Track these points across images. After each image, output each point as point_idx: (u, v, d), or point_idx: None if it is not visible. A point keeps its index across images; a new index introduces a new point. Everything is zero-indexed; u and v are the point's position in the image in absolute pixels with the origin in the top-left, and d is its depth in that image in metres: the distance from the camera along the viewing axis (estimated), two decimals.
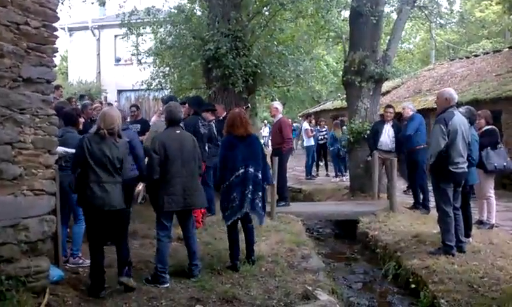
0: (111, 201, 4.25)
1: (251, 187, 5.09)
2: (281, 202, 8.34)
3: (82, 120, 5.72)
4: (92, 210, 4.29)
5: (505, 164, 6.62)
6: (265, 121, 27.74)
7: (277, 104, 9.19)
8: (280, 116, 8.94)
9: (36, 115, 3.90)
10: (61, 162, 4.67)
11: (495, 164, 6.49)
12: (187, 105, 7.44)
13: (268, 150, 11.41)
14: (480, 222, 6.85)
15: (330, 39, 14.40)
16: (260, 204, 5.25)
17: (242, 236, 5.32)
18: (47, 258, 4.06)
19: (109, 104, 10.25)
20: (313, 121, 15.84)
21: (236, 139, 5.15)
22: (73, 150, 4.78)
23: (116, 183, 4.32)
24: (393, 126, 8.71)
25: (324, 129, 14.58)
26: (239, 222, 5.25)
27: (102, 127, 4.26)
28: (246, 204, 5.07)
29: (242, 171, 5.07)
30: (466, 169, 5.50)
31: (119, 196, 4.33)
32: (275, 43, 11.01)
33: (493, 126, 6.85)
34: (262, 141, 25.35)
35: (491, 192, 6.80)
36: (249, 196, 5.08)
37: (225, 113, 8.77)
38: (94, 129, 4.40)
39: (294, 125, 22.86)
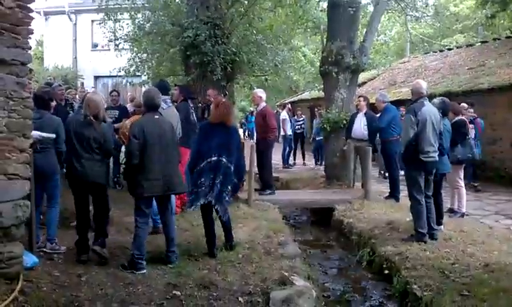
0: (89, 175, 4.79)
1: (221, 177, 5.01)
2: (266, 190, 8.37)
3: (53, 103, 5.64)
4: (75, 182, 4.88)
5: (469, 155, 6.82)
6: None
7: (260, 92, 8.65)
8: (264, 104, 8.44)
9: (10, 98, 3.80)
10: (36, 146, 4.58)
11: (458, 156, 6.70)
12: (178, 89, 7.46)
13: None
14: (452, 211, 7.05)
15: (308, 30, 14.42)
16: (227, 198, 5.15)
17: (218, 222, 5.32)
18: (20, 243, 3.99)
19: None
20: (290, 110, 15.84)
21: (216, 127, 5.11)
22: (48, 134, 4.72)
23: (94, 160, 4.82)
24: (365, 114, 8.75)
25: (302, 119, 14.66)
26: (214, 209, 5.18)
27: (88, 114, 4.74)
28: (212, 193, 4.97)
29: (214, 158, 5.01)
30: (437, 158, 5.63)
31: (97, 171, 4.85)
32: (254, 32, 10.95)
33: (462, 118, 7.00)
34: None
35: (461, 182, 6.99)
36: (218, 186, 5.00)
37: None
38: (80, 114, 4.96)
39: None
